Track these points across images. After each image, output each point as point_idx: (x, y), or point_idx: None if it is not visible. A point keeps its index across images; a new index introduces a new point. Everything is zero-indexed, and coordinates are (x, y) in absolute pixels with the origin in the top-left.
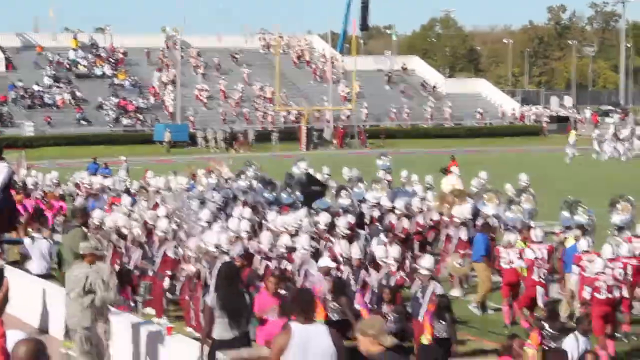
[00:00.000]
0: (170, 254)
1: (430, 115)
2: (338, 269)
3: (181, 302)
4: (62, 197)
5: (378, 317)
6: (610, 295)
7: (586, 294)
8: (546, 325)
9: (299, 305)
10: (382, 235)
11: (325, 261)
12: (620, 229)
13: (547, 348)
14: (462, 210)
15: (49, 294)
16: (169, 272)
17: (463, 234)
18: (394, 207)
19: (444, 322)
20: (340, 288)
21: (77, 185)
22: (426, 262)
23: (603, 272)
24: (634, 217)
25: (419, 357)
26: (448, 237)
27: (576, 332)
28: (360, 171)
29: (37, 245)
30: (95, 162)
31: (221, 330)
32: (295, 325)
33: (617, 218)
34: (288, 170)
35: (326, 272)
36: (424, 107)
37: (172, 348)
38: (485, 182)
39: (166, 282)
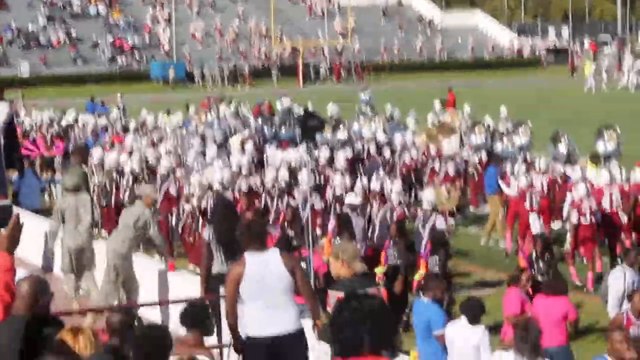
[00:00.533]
0: (173, 191)
1: (427, 49)
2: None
3: (183, 239)
4: (59, 136)
5: (351, 243)
6: (594, 220)
7: (573, 218)
8: (540, 260)
9: (249, 236)
10: (381, 170)
11: (352, 198)
12: (606, 157)
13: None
14: (450, 144)
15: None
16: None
17: (450, 168)
18: (389, 142)
19: (437, 257)
20: (345, 223)
21: (70, 126)
22: (428, 194)
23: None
24: (619, 146)
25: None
26: (433, 171)
27: (623, 265)
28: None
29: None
30: (92, 101)
31: (219, 265)
32: (248, 255)
33: (602, 146)
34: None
35: (354, 208)
36: (420, 41)
37: (175, 284)
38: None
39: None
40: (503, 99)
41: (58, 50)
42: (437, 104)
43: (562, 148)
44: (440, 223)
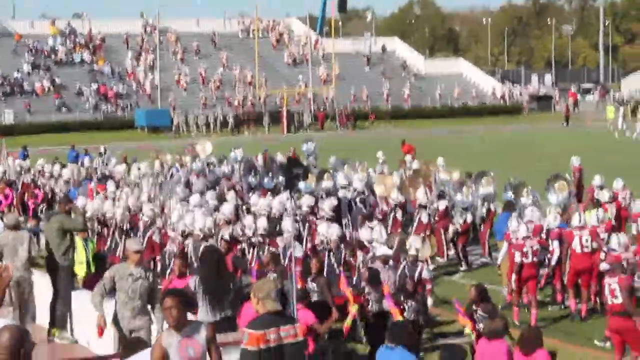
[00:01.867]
0: (156, 238)
1: (409, 96)
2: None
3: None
4: (36, 185)
5: (270, 281)
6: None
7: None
8: (478, 309)
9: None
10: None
11: (383, 249)
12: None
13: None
14: (421, 194)
15: (35, 282)
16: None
17: (424, 217)
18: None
19: (414, 304)
20: (322, 270)
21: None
22: (415, 241)
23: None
24: (571, 196)
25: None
26: (396, 220)
27: None
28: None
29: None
30: (73, 149)
31: (203, 314)
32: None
33: (553, 197)
34: (270, 154)
35: (385, 260)
36: (403, 89)
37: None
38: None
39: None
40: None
41: (42, 97)
42: (380, 154)
43: (525, 200)
44: (425, 272)
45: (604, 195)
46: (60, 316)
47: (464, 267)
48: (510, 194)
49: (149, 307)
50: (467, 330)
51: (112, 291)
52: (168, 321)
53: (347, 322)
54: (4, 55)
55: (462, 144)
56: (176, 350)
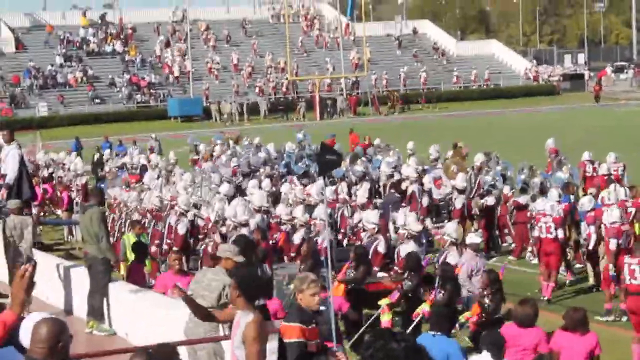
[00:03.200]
0: (182, 230)
1: (442, 78)
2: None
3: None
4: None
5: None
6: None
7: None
8: (486, 299)
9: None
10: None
11: (475, 238)
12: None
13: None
14: (458, 180)
15: (72, 275)
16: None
17: (458, 202)
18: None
19: (444, 292)
20: (362, 256)
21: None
22: (451, 228)
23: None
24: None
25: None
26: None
27: None
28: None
29: None
30: (107, 141)
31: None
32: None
33: (558, 177)
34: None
35: (475, 249)
36: (436, 71)
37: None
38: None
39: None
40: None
41: (75, 89)
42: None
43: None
44: (452, 256)
45: (602, 168)
46: (97, 308)
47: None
48: (522, 177)
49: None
50: (462, 319)
51: None
52: None
53: (385, 317)
54: (36, 48)
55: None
56: None
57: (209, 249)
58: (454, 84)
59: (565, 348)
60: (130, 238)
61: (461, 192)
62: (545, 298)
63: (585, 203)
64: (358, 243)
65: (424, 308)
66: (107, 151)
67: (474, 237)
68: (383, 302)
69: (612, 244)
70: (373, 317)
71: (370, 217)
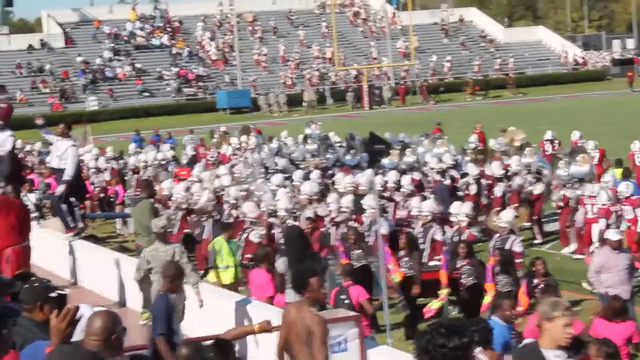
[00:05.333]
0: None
1: (490, 66)
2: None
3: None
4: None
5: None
6: None
7: None
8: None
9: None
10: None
11: (613, 235)
12: (580, 180)
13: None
14: (494, 168)
15: (125, 267)
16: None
17: (498, 191)
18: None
19: (508, 277)
20: (413, 243)
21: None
22: (506, 215)
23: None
24: (592, 169)
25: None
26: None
27: None
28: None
29: None
30: (138, 134)
31: (291, 294)
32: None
33: (574, 169)
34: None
35: (614, 246)
36: (483, 58)
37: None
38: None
39: None
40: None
41: (124, 83)
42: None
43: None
44: (517, 245)
45: (588, 145)
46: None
47: (539, 240)
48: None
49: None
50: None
51: None
52: None
53: (435, 304)
54: (85, 43)
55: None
56: None
57: (252, 237)
58: (498, 71)
59: (603, 336)
60: (220, 242)
61: (499, 179)
62: None
63: (623, 190)
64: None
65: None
66: (132, 145)
67: (613, 234)
68: (443, 292)
69: None
70: (431, 306)
71: (425, 206)
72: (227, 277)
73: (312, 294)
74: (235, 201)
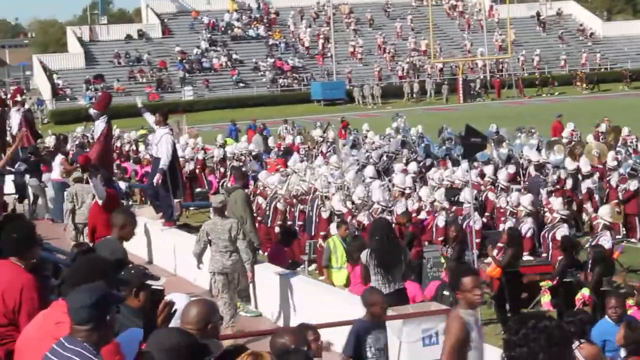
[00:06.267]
0: (324, 214)
1: (588, 60)
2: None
3: None
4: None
5: None
6: None
7: None
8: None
9: None
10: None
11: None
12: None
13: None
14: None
15: None
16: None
17: (613, 182)
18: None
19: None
20: (516, 238)
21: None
22: (605, 211)
23: None
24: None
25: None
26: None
27: None
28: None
29: None
30: (234, 124)
31: (375, 286)
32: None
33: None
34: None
35: None
36: (582, 52)
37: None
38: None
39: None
40: None
41: (220, 73)
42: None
43: None
44: (605, 240)
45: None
46: (243, 289)
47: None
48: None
49: None
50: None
51: None
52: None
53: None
54: (182, 33)
55: None
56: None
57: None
58: (598, 65)
59: None
60: (336, 242)
61: (585, 177)
62: None
63: None
64: (504, 226)
65: (584, 292)
66: (219, 136)
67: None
68: (545, 284)
69: None
70: (535, 301)
71: (522, 201)
72: (340, 278)
73: (463, 295)
74: (326, 192)
